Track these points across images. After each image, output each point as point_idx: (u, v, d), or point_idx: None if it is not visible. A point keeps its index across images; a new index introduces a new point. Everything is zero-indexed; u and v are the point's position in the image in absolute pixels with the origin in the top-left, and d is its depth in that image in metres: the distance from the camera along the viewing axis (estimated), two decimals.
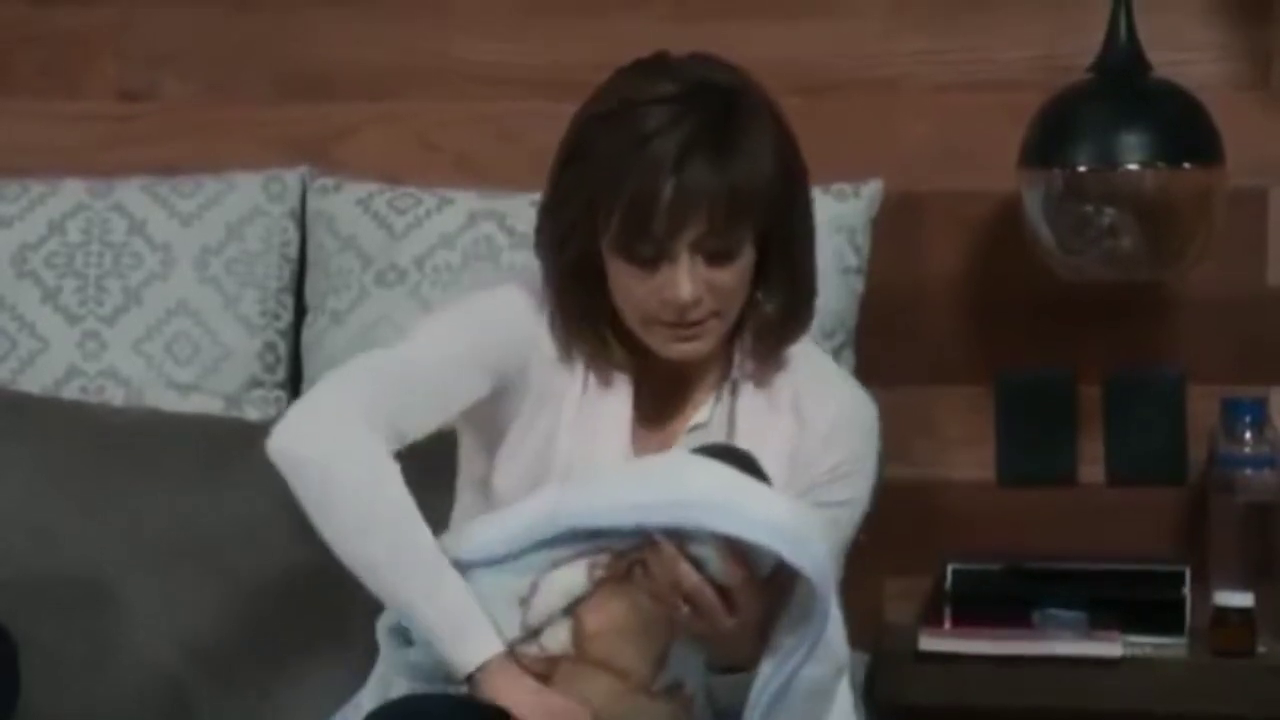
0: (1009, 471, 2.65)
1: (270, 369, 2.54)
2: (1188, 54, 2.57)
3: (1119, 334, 2.63)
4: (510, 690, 1.86)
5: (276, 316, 2.55)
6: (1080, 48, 2.50)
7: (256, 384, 2.54)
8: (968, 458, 2.65)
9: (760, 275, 1.96)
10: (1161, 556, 2.55)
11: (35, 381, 2.52)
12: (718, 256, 1.90)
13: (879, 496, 2.57)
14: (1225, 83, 2.59)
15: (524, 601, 1.87)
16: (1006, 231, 2.60)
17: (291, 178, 2.60)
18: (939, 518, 2.64)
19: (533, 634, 1.88)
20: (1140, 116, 2.45)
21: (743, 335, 1.99)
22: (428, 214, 2.53)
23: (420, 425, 1.94)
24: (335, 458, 1.88)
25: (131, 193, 2.59)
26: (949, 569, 2.54)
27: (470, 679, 1.86)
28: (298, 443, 1.90)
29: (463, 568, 1.89)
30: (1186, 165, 2.45)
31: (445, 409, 1.96)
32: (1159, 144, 2.43)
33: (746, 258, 1.93)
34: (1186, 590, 2.49)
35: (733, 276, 1.91)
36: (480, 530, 1.92)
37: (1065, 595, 2.50)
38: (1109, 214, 2.47)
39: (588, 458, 1.95)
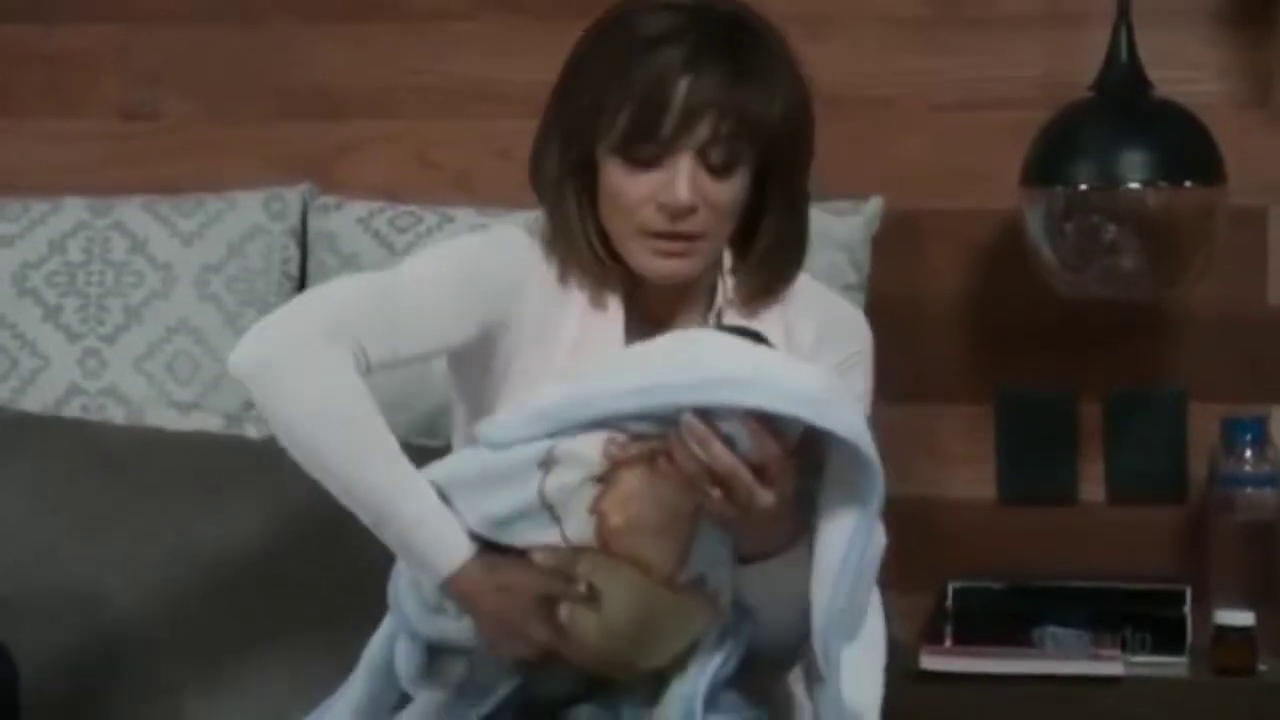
0: (1010, 490, 2.65)
1: None
2: (1189, 73, 2.58)
3: (1120, 352, 2.63)
4: (474, 597, 1.83)
5: None
6: (1081, 66, 2.51)
7: None
8: (968, 476, 2.65)
9: (755, 209, 1.94)
10: (1162, 575, 2.55)
11: (36, 400, 2.52)
12: (718, 169, 1.88)
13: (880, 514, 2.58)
14: (1226, 102, 2.60)
15: (542, 466, 1.81)
16: (1007, 250, 2.60)
17: (292, 196, 2.60)
18: (940, 536, 2.64)
19: (555, 520, 1.82)
20: (1141, 135, 2.45)
21: (731, 267, 1.96)
22: (428, 231, 2.53)
23: (387, 352, 1.88)
24: (288, 359, 1.84)
25: (132, 211, 2.59)
26: (950, 588, 2.54)
27: (444, 584, 1.84)
28: (251, 352, 1.86)
29: (493, 447, 1.84)
30: (1187, 184, 2.46)
31: (417, 343, 1.90)
32: (1160, 163, 2.44)
33: (744, 179, 1.90)
34: (1187, 609, 2.49)
35: (728, 193, 1.89)
36: (490, 423, 1.86)
37: (1066, 614, 2.50)
38: (1110, 232, 2.47)
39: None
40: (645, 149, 1.87)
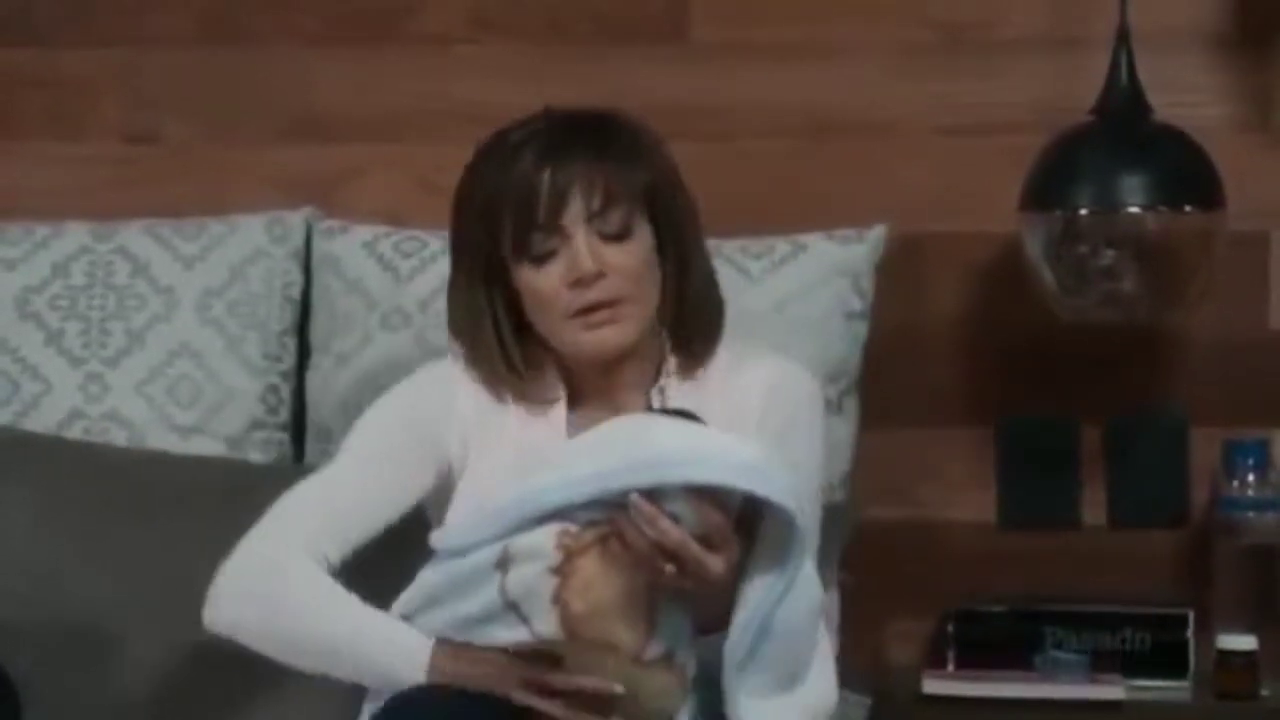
0: (1011, 514, 2.64)
1: (273, 411, 2.54)
2: (1189, 97, 2.58)
3: (1120, 376, 2.63)
4: (458, 680, 1.90)
5: (279, 359, 2.55)
6: (1082, 90, 2.51)
7: (259, 426, 2.53)
8: (970, 500, 2.65)
9: (664, 273, 2.04)
10: (1164, 599, 2.55)
11: (38, 423, 2.52)
12: (612, 235, 2.00)
13: (881, 538, 2.59)
14: (1226, 126, 2.60)
15: (500, 567, 1.91)
16: (1008, 274, 2.60)
17: (294, 220, 2.60)
18: (941, 560, 2.64)
19: (522, 619, 1.90)
20: (1141, 159, 2.45)
21: (662, 337, 2.06)
22: (433, 257, 2.53)
23: (346, 548, 2.01)
24: (248, 613, 2.00)
25: (134, 235, 2.59)
26: (952, 611, 2.54)
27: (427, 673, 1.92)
28: (214, 612, 2.02)
29: (449, 554, 1.94)
30: (1187, 208, 2.46)
31: (373, 525, 2.02)
32: (1160, 187, 2.44)
33: (642, 239, 2.01)
34: (1190, 633, 2.49)
35: (630, 256, 2.00)
36: (443, 531, 1.98)
37: (1068, 638, 2.50)
38: (1110, 257, 2.47)
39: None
40: (538, 241, 1.99)
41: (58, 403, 2.52)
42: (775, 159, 2.67)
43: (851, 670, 2.20)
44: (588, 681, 1.88)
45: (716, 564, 1.87)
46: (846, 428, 2.48)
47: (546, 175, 1.99)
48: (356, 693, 2.04)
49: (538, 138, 2.01)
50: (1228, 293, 2.55)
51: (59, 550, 2.37)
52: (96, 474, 2.44)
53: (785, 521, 1.89)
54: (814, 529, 2.00)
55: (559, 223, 1.99)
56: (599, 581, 1.90)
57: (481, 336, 2.04)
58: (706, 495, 1.87)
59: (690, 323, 2.05)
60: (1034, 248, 2.49)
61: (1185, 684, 2.47)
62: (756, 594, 1.90)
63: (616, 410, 2.02)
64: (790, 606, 1.90)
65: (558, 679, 1.88)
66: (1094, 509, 2.64)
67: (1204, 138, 2.48)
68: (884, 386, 2.57)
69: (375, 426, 2.08)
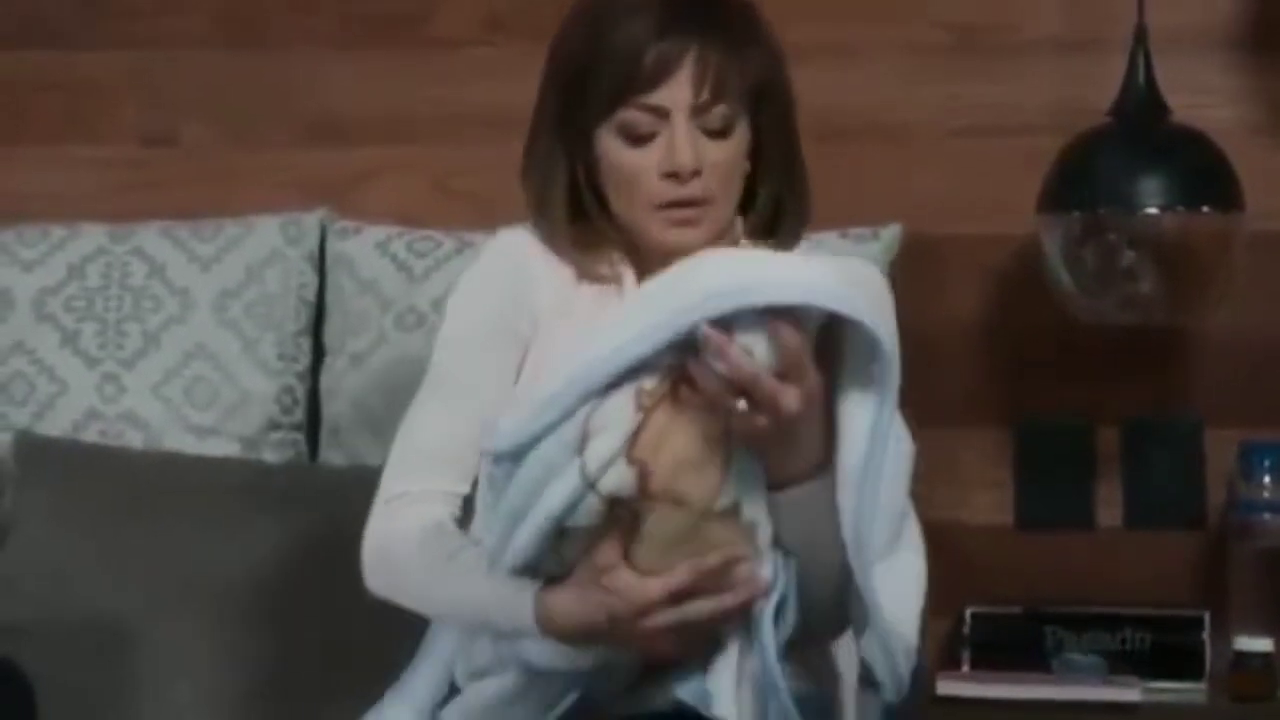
0: (1028, 515, 2.64)
1: (288, 412, 2.55)
2: (1206, 98, 2.57)
3: (1138, 378, 2.63)
4: (557, 618, 1.82)
5: (294, 359, 2.56)
6: (1099, 92, 2.50)
7: (274, 427, 2.54)
8: (987, 501, 2.64)
9: (755, 170, 1.95)
10: (1180, 601, 2.54)
11: (54, 424, 2.53)
12: (715, 132, 1.90)
13: None
14: (1244, 127, 2.59)
15: (580, 450, 1.77)
16: (1025, 275, 2.60)
17: (309, 221, 2.61)
18: (957, 561, 2.62)
19: (590, 485, 1.77)
20: (1159, 160, 2.45)
21: (740, 232, 1.97)
22: (447, 257, 2.53)
23: (471, 470, 1.93)
24: (381, 585, 1.93)
25: (151, 237, 2.60)
26: (967, 613, 2.54)
27: (540, 629, 1.83)
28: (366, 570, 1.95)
29: (511, 455, 1.81)
30: (1205, 209, 2.45)
31: (491, 406, 1.92)
32: (1178, 188, 2.43)
33: (740, 137, 1.92)
34: (1206, 635, 2.48)
35: (727, 153, 1.91)
36: (498, 434, 1.84)
37: (1084, 640, 2.49)
38: (1128, 258, 2.47)
39: None
40: (640, 121, 1.89)
41: (74, 403, 2.53)
42: None
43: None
44: (664, 582, 1.75)
45: (792, 398, 1.74)
46: None
47: (657, 50, 1.88)
48: (375, 701, 2.02)
49: (651, 5, 1.89)
50: (1246, 294, 2.54)
51: (75, 551, 2.37)
52: (112, 475, 2.44)
53: (870, 347, 1.78)
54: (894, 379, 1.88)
55: (663, 105, 1.89)
56: (670, 432, 1.77)
57: (550, 204, 1.94)
58: (780, 318, 1.74)
59: (774, 224, 1.96)
60: (1052, 249, 2.49)
61: (1201, 686, 2.46)
62: (861, 433, 1.78)
63: None
64: (899, 446, 1.79)
65: (650, 598, 1.76)
66: (1110, 510, 2.64)
67: (1222, 139, 2.48)
68: (901, 387, 2.56)
69: (463, 332, 1.97)
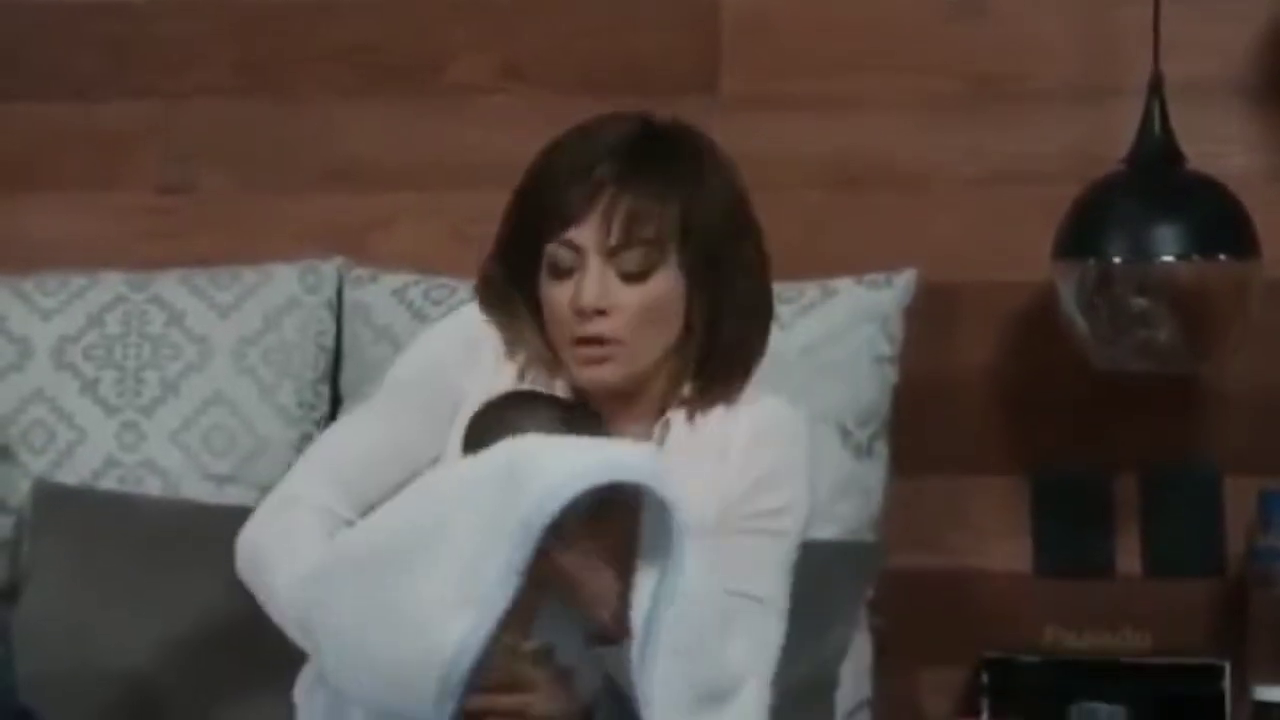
0: (1045, 563, 2.63)
1: None
2: (1222, 146, 2.58)
3: (1155, 426, 2.62)
4: None
5: (313, 407, 2.56)
6: (1114, 139, 2.51)
7: None
8: (1003, 549, 2.64)
9: (692, 313, 1.98)
10: (1200, 650, 2.53)
11: (73, 472, 2.53)
12: (629, 275, 1.94)
13: (915, 587, 2.58)
14: (1259, 174, 2.60)
15: None
16: (1041, 323, 2.60)
17: (327, 269, 2.61)
18: (975, 609, 2.62)
19: None
20: (1174, 208, 2.45)
21: (682, 369, 1.99)
22: (463, 304, 2.54)
23: (373, 492, 1.94)
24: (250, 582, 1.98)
25: (169, 285, 2.61)
26: (985, 661, 2.53)
27: None
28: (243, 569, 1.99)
29: None
30: (1221, 257, 2.45)
31: (395, 471, 1.96)
32: (1194, 236, 2.43)
33: (662, 284, 1.95)
34: (1226, 685, 2.47)
35: (641, 299, 1.94)
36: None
37: (1102, 689, 2.48)
38: (1143, 305, 2.47)
39: None
40: (558, 254, 1.94)
41: (93, 451, 2.53)
42: (806, 210, 2.67)
43: (885, 719, 2.19)
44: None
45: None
46: (877, 471, 2.48)
47: (576, 188, 1.94)
48: None
49: (592, 147, 1.95)
50: (1262, 342, 2.54)
51: (94, 600, 2.37)
52: (131, 523, 2.44)
53: (665, 517, 1.79)
54: (790, 567, 1.94)
55: (578, 243, 1.94)
56: None
57: (519, 330, 2.00)
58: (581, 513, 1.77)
59: (712, 369, 1.99)
60: (1067, 297, 2.49)
61: None
62: (644, 590, 1.80)
63: (620, 425, 1.97)
64: (687, 609, 1.79)
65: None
66: (1129, 558, 2.63)
67: (1237, 187, 2.48)
68: (916, 433, 2.57)
69: (397, 376, 2.03)
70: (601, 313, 1.93)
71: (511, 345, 2.01)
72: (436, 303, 2.55)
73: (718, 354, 1.99)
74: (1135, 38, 2.50)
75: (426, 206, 2.74)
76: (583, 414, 1.94)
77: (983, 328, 2.65)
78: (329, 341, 2.59)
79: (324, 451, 2.02)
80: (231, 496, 2.50)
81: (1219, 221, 2.46)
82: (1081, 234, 2.48)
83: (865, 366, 2.47)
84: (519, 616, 1.80)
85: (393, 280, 2.60)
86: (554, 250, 1.95)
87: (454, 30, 2.75)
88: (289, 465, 2.52)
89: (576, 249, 1.94)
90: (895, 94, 2.67)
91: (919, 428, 2.57)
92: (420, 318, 2.54)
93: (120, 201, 2.78)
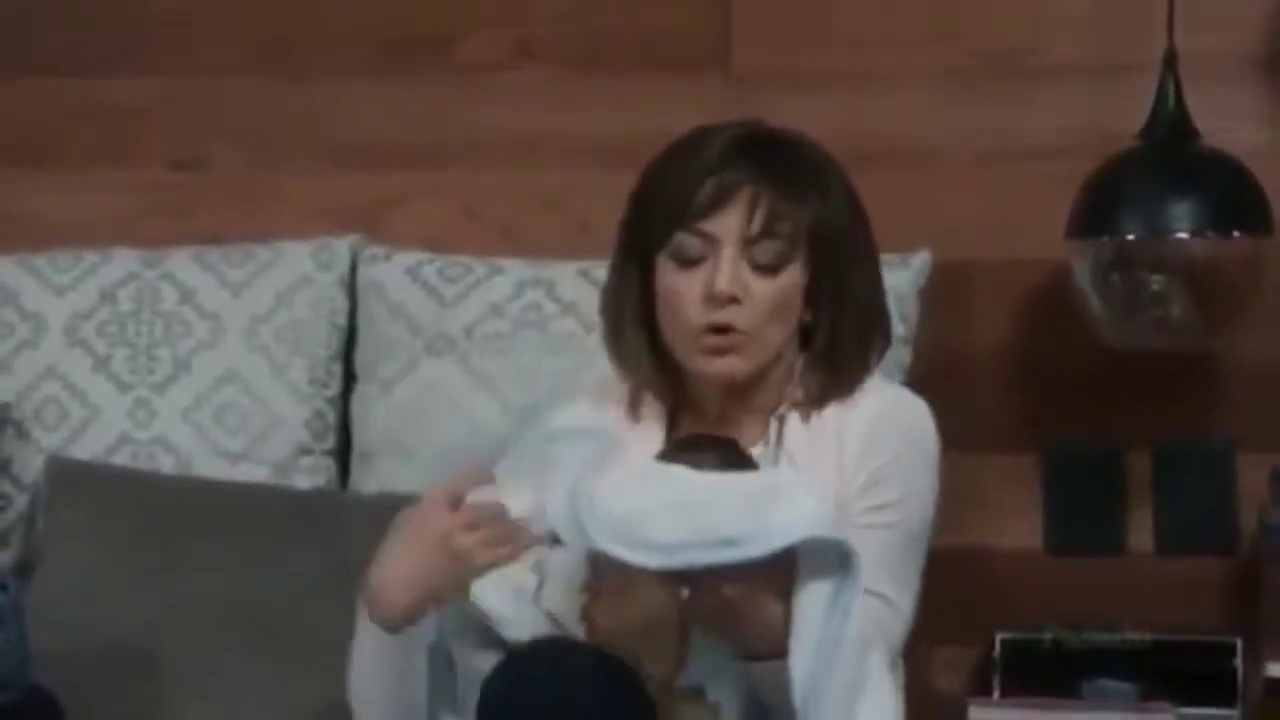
0: (1057, 540, 2.63)
1: (319, 437, 2.55)
2: (1236, 122, 2.57)
3: (1168, 402, 2.62)
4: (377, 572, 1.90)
5: (325, 385, 2.56)
6: (1128, 116, 2.50)
7: (305, 452, 2.54)
8: (1016, 527, 2.64)
9: (814, 309, 2.00)
10: (1213, 627, 2.53)
11: (86, 449, 2.53)
12: (764, 267, 1.96)
13: (927, 565, 2.57)
14: (1274, 150, 2.58)
15: (536, 572, 1.88)
16: (1055, 300, 2.59)
17: (340, 246, 2.61)
18: (987, 587, 2.62)
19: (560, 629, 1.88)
20: (1189, 185, 2.44)
21: (796, 366, 2.01)
22: (477, 283, 2.54)
23: None
24: None
25: (182, 262, 2.61)
26: (998, 639, 2.53)
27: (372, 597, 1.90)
28: None
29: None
30: (1236, 234, 2.44)
31: None
32: (1208, 212, 2.43)
33: (791, 279, 1.97)
34: (1239, 661, 2.47)
35: (773, 289, 1.96)
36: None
37: (1115, 666, 2.48)
38: (1158, 282, 2.46)
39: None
40: (687, 243, 1.95)
41: (106, 428, 2.54)
42: None
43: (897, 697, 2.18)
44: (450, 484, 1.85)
45: (732, 586, 1.81)
46: None
47: (715, 180, 1.95)
48: None
49: (725, 143, 1.97)
50: (1276, 318, 2.53)
51: (107, 575, 2.38)
52: (143, 500, 2.45)
53: (831, 546, 1.83)
54: (913, 563, 1.97)
55: (714, 233, 1.96)
56: (624, 602, 1.87)
57: (624, 332, 2.01)
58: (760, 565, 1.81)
59: (830, 365, 2.00)
60: (1081, 274, 2.48)
61: (1234, 713, 2.45)
62: (817, 604, 1.82)
63: (735, 425, 1.99)
64: (848, 628, 1.83)
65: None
66: (1141, 535, 2.63)
67: (1252, 163, 2.47)
68: (931, 413, 2.56)
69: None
70: (734, 301, 1.95)
71: (624, 367, 2.02)
72: (450, 280, 2.55)
73: (837, 354, 2.01)
74: (1149, 12, 2.49)
75: (440, 184, 2.74)
76: (738, 453, 1.94)
77: (996, 305, 2.65)
78: (342, 319, 2.58)
79: None
80: (243, 474, 2.51)
81: (1234, 198, 2.45)
82: (1095, 211, 2.47)
83: None
84: (675, 653, 1.86)
85: (406, 258, 2.60)
86: (683, 239, 1.96)
87: (467, 7, 2.74)
88: (300, 443, 2.54)
89: (710, 238, 1.95)
90: (908, 70, 2.66)
91: (932, 406, 2.56)
92: (434, 296, 2.54)
93: (131, 178, 2.78)
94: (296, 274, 2.59)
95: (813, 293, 1.99)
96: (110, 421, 2.54)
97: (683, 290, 1.96)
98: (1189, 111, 2.47)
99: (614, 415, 2.01)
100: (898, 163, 2.64)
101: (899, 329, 2.50)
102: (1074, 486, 2.62)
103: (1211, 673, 2.47)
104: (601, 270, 2.09)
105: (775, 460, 1.99)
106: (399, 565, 1.89)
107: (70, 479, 2.49)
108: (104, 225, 2.73)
